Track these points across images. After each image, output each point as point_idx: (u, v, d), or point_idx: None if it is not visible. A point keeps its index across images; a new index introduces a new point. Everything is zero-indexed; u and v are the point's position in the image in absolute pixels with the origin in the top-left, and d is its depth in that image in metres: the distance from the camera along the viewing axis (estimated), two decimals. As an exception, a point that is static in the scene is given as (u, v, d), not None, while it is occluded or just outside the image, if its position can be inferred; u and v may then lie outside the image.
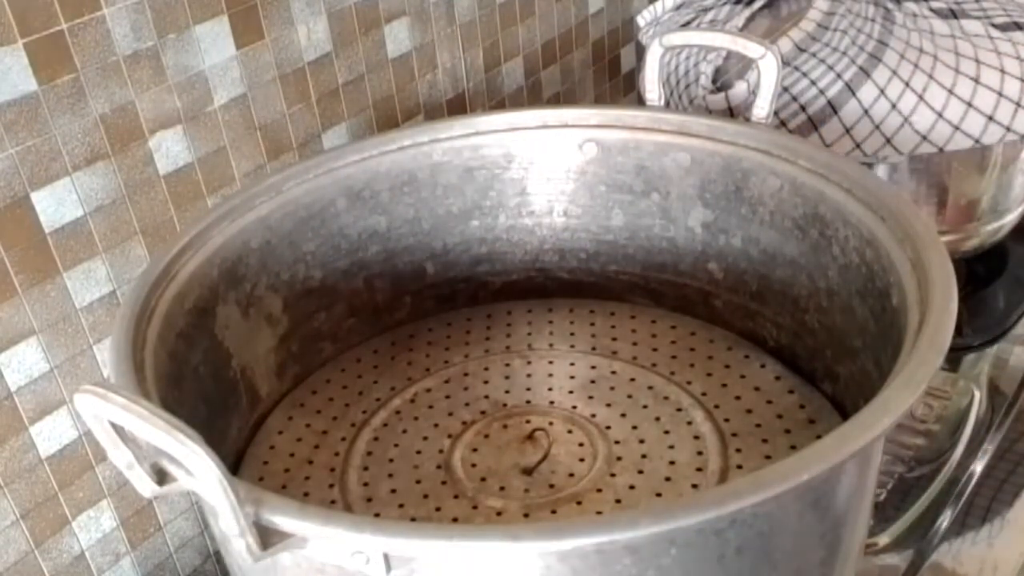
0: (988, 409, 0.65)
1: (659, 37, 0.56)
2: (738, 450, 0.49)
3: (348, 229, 0.57)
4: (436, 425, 0.52)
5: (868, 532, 0.53)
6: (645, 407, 0.52)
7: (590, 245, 0.61)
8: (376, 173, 0.57)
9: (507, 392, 0.54)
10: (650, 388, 0.53)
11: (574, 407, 0.52)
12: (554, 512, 0.46)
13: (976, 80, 0.61)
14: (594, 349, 0.57)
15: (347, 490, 0.49)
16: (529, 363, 0.56)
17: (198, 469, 0.31)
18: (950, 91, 0.61)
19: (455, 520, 0.46)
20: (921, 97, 0.62)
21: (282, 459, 0.51)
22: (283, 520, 0.33)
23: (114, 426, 0.33)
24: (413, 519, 0.47)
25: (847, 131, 0.63)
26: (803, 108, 0.63)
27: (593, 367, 0.55)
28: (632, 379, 0.54)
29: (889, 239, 0.45)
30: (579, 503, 0.46)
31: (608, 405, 0.52)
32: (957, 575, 0.55)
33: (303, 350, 0.56)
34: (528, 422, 0.52)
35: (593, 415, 0.52)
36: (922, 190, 0.66)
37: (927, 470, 0.61)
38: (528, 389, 0.54)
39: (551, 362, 0.56)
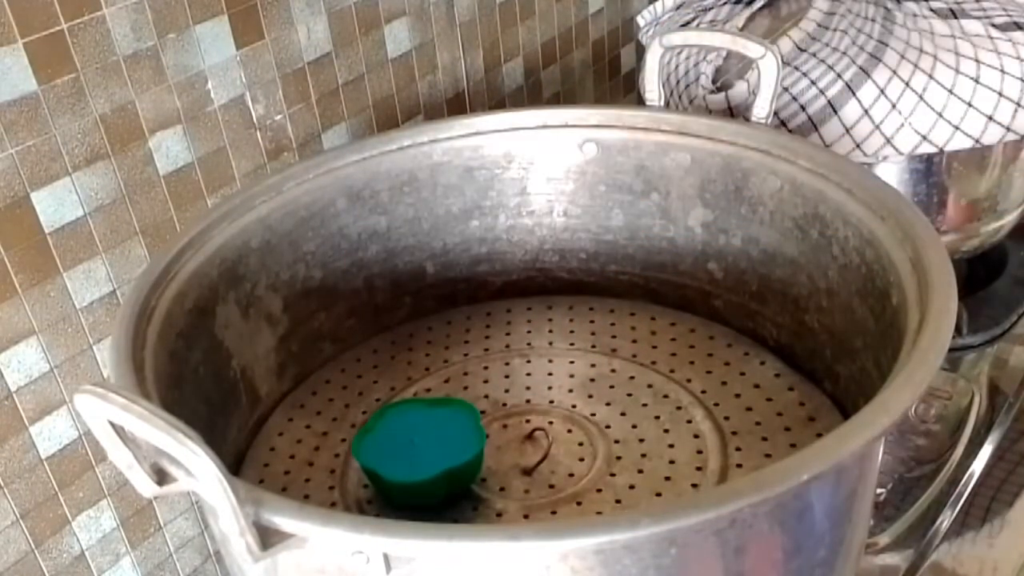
0: (988, 409, 0.65)
1: (659, 37, 0.56)
2: (738, 448, 0.49)
3: (348, 229, 0.57)
4: (436, 425, 0.52)
5: (868, 532, 0.53)
6: (645, 405, 0.52)
7: (590, 245, 0.61)
8: (376, 173, 0.57)
9: (507, 391, 0.54)
10: (649, 386, 0.53)
11: (573, 406, 0.52)
12: (554, 512, 0.46)
13: (976, 80, 0.61)
14: (593, 347, 0.57)
15: (347, 492, 0.49)
16: (529, 362, 0.56)
17: (198, 469, 0.31)
18: (950, 91, 0.61)
19: (455, 520, 0.46)
20: (921, 97, 0.62)
21: (282, 461, 0.51)
22: (283, 520, 0.33)
23: (114, 426, 0.33)
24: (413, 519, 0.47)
25: (847, 131, 0.63)
26: (803, 108, 0.63)
27: (593, 365, 0.55)
28: (631, 377, 0.54)
29: (889, 239, 0.45)
30: (579, 503, 0.46)
31: (608, 404, 0.52)
32: (957, 575, 0.55)
33: (303, 350, 0.56)
34: (528, 421, 0.52)
35: (593, 414, 0.52)
36: (922, 190, 0.66)
37: (927, 470, 0.61)
38: (528, 388, 0.54)
39: (551, 361, 0.56)
